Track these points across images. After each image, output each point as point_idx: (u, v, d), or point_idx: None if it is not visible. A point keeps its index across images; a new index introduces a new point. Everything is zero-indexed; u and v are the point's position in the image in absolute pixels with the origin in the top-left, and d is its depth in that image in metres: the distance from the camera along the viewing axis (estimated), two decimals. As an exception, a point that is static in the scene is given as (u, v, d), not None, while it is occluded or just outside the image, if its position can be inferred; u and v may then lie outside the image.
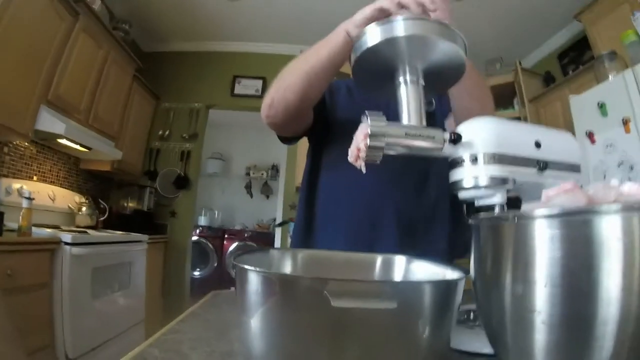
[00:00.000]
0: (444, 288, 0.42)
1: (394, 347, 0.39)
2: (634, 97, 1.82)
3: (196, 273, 5.38)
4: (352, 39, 0.72)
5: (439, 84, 0.71)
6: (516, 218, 0.32)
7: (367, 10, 0.72)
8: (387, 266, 0.67)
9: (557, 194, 0.31)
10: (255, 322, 0.41)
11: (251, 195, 6.19)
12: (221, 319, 0.70)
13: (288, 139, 1.07)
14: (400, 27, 0.59)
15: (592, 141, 2.04)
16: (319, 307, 0.36)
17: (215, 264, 5.48)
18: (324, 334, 0.37)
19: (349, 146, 0.64)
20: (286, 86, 0.86)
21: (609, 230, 0.28)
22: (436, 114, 1.03)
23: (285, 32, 3.73)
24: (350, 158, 0.64)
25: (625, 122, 1.84)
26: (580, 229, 0.29)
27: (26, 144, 2.54)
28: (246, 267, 0.43)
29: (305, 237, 1.04)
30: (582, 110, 2.16)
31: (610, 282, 0.28)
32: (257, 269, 0.41)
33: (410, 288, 0.39)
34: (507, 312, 0.34)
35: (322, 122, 1.06)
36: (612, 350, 0.28)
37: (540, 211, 0.30)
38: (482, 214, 0.41)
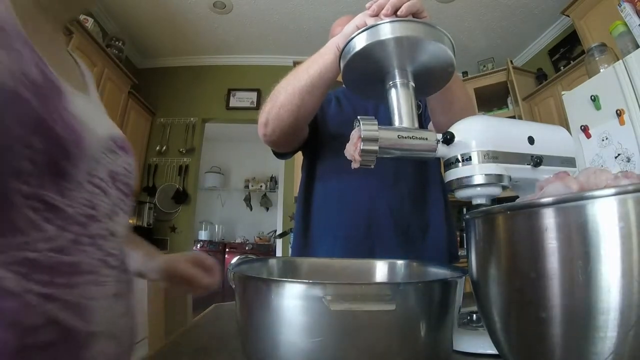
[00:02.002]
0: (442, 288, 0.42)
1: (395, 349, 0.38)
2: (626, 88, 1.82)
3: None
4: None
5: (429, 85, 0.72)
6: (508, 210, 0.32)
7: (354, 24, 0.72)
8: (387, 271, 0.67)
9: (549, 183, 0.31)
10: (255, 330, 0.41)
11: (251, 208, 6.18)
12: (223, 330, 0.69)
13: (283, 154, 1.07)
14: (385, 29, 0.60)
15: (587, 135, 2.04)
16: (318, 311, 0.36)
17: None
18: (324, 338, 0.37)
19: (341, 156, 0.64)
20: (280, 105, 0.86)
21: (604, 216, 0.28)
22: (422, 118, 1.04)
23: (277, 44, 3.76)
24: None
25: (619, 114, 1.84)
26: (573, 217, 0.29)
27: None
28: (244, 274, 0.43)
29: (304, 247, 1.04)
30: (575, 105, 2.17)
31: (608, 270, 0.27)
32: (256, 276, 0.41)
33: (408, 289, 0.39)
34: (506, 306, 0.34)
35: (315, 135, 1.06)
36: (615, 340, 0.28)
37: (532, 201, 0.30)
38: (476, 209, 0.41)
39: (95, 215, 0.42)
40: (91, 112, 0.45)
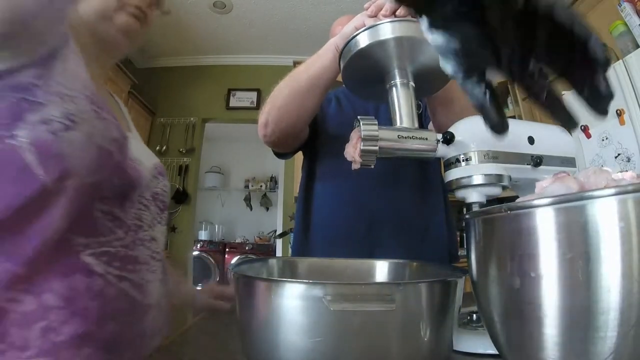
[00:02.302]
0: (442, 288, 0.42)
1: (395, 349, 0.38)
2: (626, 88, 1.82)
3: (198, 288, 5.32)
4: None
5: (429, 85, 0.72)
6: (509, 210, 0.32)
7: (352, 25, 0.72)
8: (387, 271, 0.67)
9: (549, 183, 0.31)
10: (255, 330, 0.41)
11: (251, 208, 6.17)
12: (223, 331, 0.69)
13: (283, 154, 1.07)
14: (385, 29, 0.60)
15: (587, 135, 2.04)
16: (318, 311, 0.36)
17: (217, 279, 5.44)
18: (324, 338, 0.37)
19: (341, 156, 0.64)
20: (279, 106, 0.86)
21: (604, 216, 0.28)
22: (422, 118, 1.04)
23: (277, 44, 3.76)
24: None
25: (619, 114, 1.84)
26: (573, 217, 0.29)
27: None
28: (245, 274, 0.43)
29: (304, 247, 1.04)
30: (575, 105, 2.17)
31: (608, 270, 0.27)
32: (256, 276, 0.41)
33: (408, 289, 0.39)
34: (507, 306, 0.34)
35: (315, 135, 1.06)
36: (615, 340, 0.28)
37: (532, 201, 0.30)
38: (476, 209, 0.41)
39: (142, 225, 0.56)
40: (140, 149, 0.60)
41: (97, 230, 0.48)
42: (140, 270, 0.53)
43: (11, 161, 0.41)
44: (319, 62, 0.80)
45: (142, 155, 0.59)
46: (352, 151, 0.60)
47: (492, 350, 0.46)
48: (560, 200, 0.29)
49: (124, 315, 0.49)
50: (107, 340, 0.46)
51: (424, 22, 0.31)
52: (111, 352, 0.47)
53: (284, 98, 0.85)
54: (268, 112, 0.88)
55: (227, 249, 5.56)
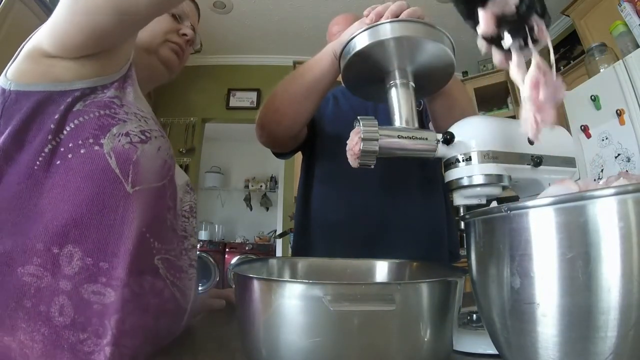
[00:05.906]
0: (442, 288, 0.42)
1: (395, 349, 0.38)
2: (626, 88, 1.83)
3: (199, 288, 5.32)
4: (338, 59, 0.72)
5: (429, 86, 0.72)
6: (509, 210, 0.32)
7: (350, 32, 0.72)
8: (387, 271, 0.67)
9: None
10: (255, 330, 0.41)
11: (251, 208, 6.17)
12: (222, 330, 0.69)
13: (283, 154, 1.07)
14: (385, 29, 0.60)
15: (587, 135, 2.04)
16: (318, 311, 0.36)
17: (217, 279, 5.44)
18: (324, 338, 0.37)
19: (339, 156, 0.64)
20: (275, 109, 0.86)
21: (604, 216, 0.28)
22: (423, 115, 1.03)
23: (277, 44, 3.75)
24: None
25: (619, 114, 1.84)
26: (573, 216, 0.29)
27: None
28: (245, 274, 0.43)
29: (304, 247, 1.04)
30: (575, 105, 2.17)
31: (608, 270, 0.27)
32: (255, 276, 0.41)
33: (408, 289, 0.39)
34: (507, 306, 0.34)
35: (313, 134, 1.06)
36: (615, 340, 0.28)
37: (532, 201, 0.30)
38: (477, 210, 0.41)
39: (186, 235, 0.63)
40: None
41: (164, 237, 0.56)
42: (184, 279, 0.60)
43: (96, 164, 0.49)
44: (317, 67, 0.80)
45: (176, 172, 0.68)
46: (350, 150, 0.60)
47: (492, 350, 0.46)
48: (560, 201, 0.29)
49: (170, 314, 0.57)
50: (155, 333, 0.53)
51: None
52: (154, 344, 0.54)
53: (280, 101, 0.85)
54: (265, 114, 0.88)
55: (227, 249, 5.55)
